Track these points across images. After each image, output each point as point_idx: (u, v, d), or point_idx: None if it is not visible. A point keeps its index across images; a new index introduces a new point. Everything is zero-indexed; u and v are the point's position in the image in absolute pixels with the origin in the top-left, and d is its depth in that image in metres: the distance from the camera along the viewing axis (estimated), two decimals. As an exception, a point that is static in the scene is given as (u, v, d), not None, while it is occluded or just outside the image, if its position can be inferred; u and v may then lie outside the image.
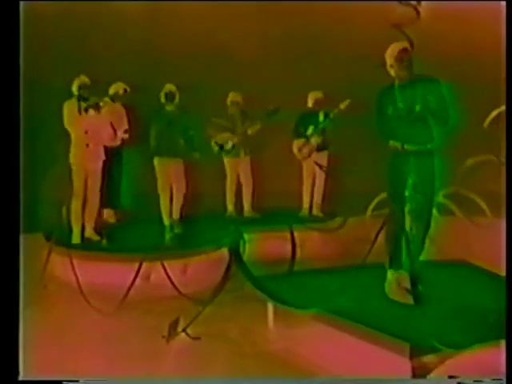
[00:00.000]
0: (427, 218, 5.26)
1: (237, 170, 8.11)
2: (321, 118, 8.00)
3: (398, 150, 5.18)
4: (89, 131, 6.86)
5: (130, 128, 7.75)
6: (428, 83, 5.13)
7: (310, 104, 8.12)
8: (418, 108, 5.09)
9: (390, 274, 5.22)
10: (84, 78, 6.99)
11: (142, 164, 7.84)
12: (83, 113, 6.84)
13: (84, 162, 6.88)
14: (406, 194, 5.24)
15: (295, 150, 8.08)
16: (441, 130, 5.16)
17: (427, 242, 5.37)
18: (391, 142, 5.22)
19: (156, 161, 7.39)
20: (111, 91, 7.67)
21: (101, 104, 6.90)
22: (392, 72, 5.14)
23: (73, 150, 6.88)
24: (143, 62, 8.54)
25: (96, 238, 7.07)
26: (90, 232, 7.07)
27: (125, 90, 7.72)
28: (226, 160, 8.06)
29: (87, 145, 6.87)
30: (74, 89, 6.97)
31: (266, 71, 8.57)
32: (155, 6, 8.56)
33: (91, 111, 6.84)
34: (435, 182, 5.25)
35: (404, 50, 5.08)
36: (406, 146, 5.15)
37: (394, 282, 5.16)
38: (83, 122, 6.84)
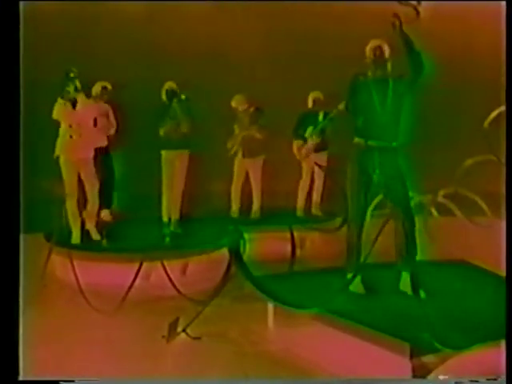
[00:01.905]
0: (409, 217, 5.23)
1: (244, 170, 8.09)
2: (320, 118, 8.01)
3: (362, 146, 5.20)
4: (73, 124, 6.87)
5: (118, 126, 7.71)
6: (398, 83, 5.17)
7: (309, 104, 8.13)
8: (389, 101, 5.13)
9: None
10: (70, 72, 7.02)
11: (143, 163, 7.84)
12: (68, 107, 6.86)
13: (71, 154, 6.87)
14: (371, 191, 5.27)
15: (295, 150, 8.08)
16: (418, 71, 5.08)
17: (426, 241, 5.37)
18: (356, 139, 5.24)
19: (163, 155, 7.37)
20: (93, 92, 7.63)
21: (77, 98, 6.91)
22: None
23: (58, 143, 6.90)
24: (143, 62, 8.54)
25: (97, 236, 7.07)
26: (92, 229, 7.06)
27: (105, 88, 7.67)
28: (235, 160, 8.06)
29: (70, 136, 6.87)
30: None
31: (266, 71, 8.57)
32: (155, 6, 8.56)
33: (68, 104, 6.86)
34: (406, 179, 5.24)
35: (377, 47, 5.17)
36: (369, 143, 5.17)
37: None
38: (67, 116, 6.86)
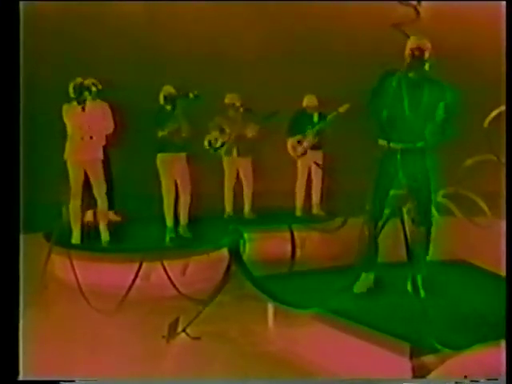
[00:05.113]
0: (427, 218, 5.22)
1: (235, 169, 8.09)
2: (315, 118, 8.02)
3: (385, 148, 5.12)
4: (83, 126, 6.86)
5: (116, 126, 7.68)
6: (436, 87, 5.06)
7: (304, 104, 8.11)
8: (423, 106, 5.03)
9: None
10: (78, 79, 7.00)
11: (143, 163, 7.83)
12: (77, 109, 6.86)
13: (79, 155, 6.88)
14: (392, 192, 5.23)
15: (289, 148, 8.08)
16: (437, 138, 5.10)
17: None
18: (380, 141, 5.16)
19: (159, 158, 7.25)
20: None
21: (87, 98, 6.90)
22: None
23: (67, 146, 6.90)
24: (143, 62, 8.54)
25: (106, 236, 7.06)
26: (103, 229, 7.06)
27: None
28: (224, 159, 8.04)
29: (82, 138, 6.87)
30: (71, 91, 6.97)
31: (265, 72, 8.57)
32: (155, 6, 8.56)
33: (78, 107, 6.86)
34: (431, 181, 5.20)
35: (418, 49, 4.99)
36: (392, 145, 5.09)
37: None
38: (77, 118, 6.86)
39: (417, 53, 5.00)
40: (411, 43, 5.01)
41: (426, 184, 5.19)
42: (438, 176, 5.31)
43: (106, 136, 7.52)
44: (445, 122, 5.05)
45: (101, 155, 7.02)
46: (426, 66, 5.06)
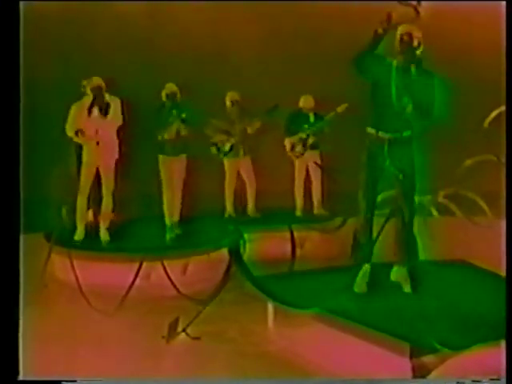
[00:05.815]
0: (409, 213, 5.16)
1: (236, 170, 8.10)
2: (311, 118, 8.03)
3: (373, 137, 5.09)
4: (99, 130, 6.85)
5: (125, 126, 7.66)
6: (424, 74, 5.02)
7: (300, 105, 8.11)
8: (410, 94, 4.93)
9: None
10: (96, 79, 6.98)
11: (143, 164, 7.84)
12: (92, 113, 6.85)
13: (95, 159, 6.89)
14: (391, 193, 5.22)
15: (288, 147, 8.08)
16: (422, 124, 5.06)
17: (427, 241, 5.36)
18: (369, 129, 5.11)
19: (160, 159, 7.31)
20: None
21: (110, 103, 6.90)
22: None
23: (85, 148, 6.91)
24: (143, 62, 8.54)
25: (106, 236, 7.06)
26: (103, 229, 7.06)
27: None
28: (225, 160, 8.05)
29: (97, 143, 6.86)
30: (88, 91, 6.95)
31: (264, 71, 8.56)
32: (155, 5, 8.56)
33: (98, 111, 6.85)
34: (416, 174, 5.14)
35: (407, 33, 4.97)
36: (380, 134, 5.05)
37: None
38: (92, 122, 6.85)
39: (405, 38, 4.97)
40: (401, 29, 4.99)
41: (411, 176, 5.12)
42: (421, 167, 5.28)
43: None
44: (430, 107, 4.97)
45: (116, 157, 7.02)
46: (417, 54, 5.01)
